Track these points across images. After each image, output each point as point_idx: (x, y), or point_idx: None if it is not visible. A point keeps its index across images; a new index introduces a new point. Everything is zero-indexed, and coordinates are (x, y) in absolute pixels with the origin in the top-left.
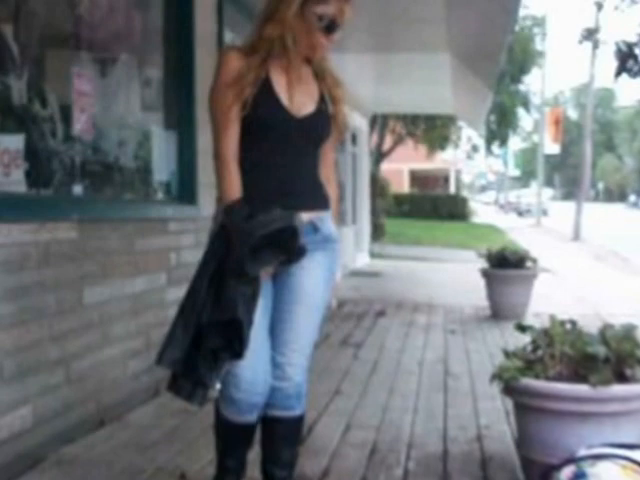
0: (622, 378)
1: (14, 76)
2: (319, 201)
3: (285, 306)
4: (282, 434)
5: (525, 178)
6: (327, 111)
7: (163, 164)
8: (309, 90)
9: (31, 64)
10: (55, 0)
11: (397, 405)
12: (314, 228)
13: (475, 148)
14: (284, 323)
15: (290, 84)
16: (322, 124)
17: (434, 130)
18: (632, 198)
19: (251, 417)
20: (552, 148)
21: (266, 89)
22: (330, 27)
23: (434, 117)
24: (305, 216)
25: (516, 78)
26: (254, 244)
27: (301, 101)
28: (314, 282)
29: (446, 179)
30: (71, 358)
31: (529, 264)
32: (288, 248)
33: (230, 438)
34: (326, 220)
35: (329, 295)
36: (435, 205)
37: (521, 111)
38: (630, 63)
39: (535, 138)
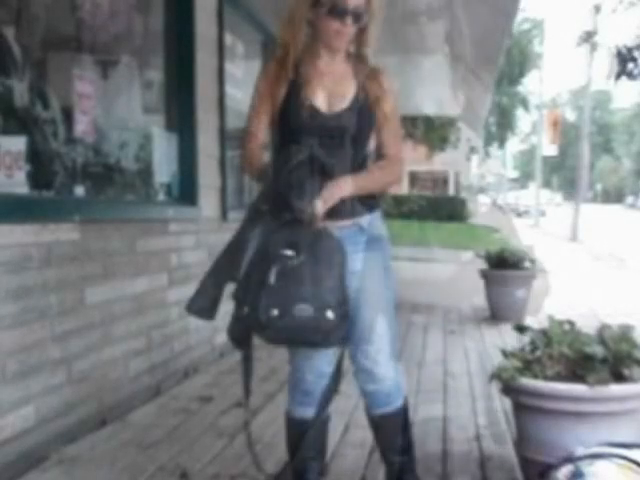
0: (620, 378)
1: (16, 78)
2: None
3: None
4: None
5: (523, 179)
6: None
7: (164, 165)
8: None
9: (33, 66)
10: (57, 3)
11: None
12: (360, 229)
13: (473, 149)
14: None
15: None
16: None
17: (433, 131)
18: (629, 199)
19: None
20: (550, 150)
21: None
22: (333, 11)
23: (432, 118)
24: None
25: (515, 80)
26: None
27: None
28: (375, 282)
29: (445, 181)
30: (73, 358)
31: (527, 265)
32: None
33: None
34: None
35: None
36: (434, 206)
37: (519, 112)
38: (630, 66)
39: (533, 140)
